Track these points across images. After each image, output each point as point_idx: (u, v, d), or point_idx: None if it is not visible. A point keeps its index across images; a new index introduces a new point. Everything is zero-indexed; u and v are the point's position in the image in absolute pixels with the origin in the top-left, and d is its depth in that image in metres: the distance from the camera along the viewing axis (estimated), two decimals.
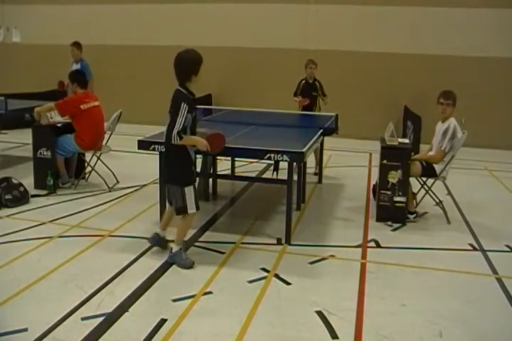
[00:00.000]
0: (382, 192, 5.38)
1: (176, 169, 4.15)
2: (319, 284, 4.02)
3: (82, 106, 6.10)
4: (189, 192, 4.11)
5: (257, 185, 6.72)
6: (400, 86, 10.26)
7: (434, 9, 9.98)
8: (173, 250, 4.26)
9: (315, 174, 7.24)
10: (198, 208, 4.21)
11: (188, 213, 4.18)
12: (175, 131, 3.93)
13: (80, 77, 6.34)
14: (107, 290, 3.78)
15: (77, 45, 8.79)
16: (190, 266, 4.18)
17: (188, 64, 4.06)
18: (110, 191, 6.31)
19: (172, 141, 3.96)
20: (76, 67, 8.66)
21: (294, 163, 4.75)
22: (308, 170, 6.60)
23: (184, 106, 3.96)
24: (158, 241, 4.52)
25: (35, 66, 11.98)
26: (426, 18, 10.04)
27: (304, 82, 7.46)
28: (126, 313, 3.47)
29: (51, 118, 6.35)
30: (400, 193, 5.33)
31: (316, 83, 7.42)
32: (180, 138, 3.96)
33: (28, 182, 6.09)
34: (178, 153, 4.09)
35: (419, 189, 5.66)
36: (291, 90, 7.56)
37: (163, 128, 4.12)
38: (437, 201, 5.73)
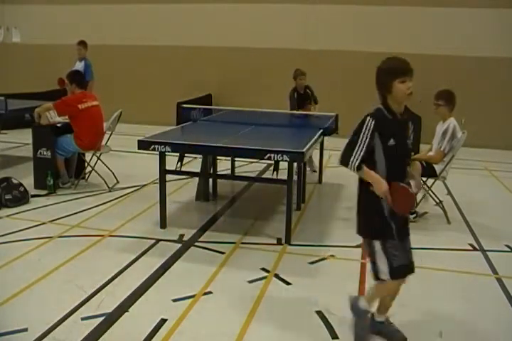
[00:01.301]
0: None
1: (361, 214, 3.12)
2: (319, 284, 4.01)
3: (79, 106, 6.08)
4: (378, 248, 2.98)
5: (257, 185, 6.72)
6: None
7: (434, 9, 9.97)
8: (360, 304, 3.21)
9: (314, 172, 7.24)
10: (398, 274, 2.98)
11: (380, 278, 3.03)
12: (354, 158, 2.96)
13: (79, 78, 6.34)
14: (107, 290, 3.78)
15: (83, 43, 8.92)
16: (363, 339, 3.22)
17: (378, 76, 3.13)
18: (110, 191, 6.31)
19: (348, 165, 3.03)
20: (79, 65, 8.68)
21: (294, 163, 4.74)
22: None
23: (370, 123, 2.94)
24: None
25: (35, 66, 11.98)
26: (426, 18, 10.03)
27: (296, 93, 7.39)
28: (126, 313, 3.47)
29: (51, 118, 6.36)
30: None
31: (308, 91, 7.41)
32: (359, 167, 2.96)
33: (28, 182, 6.09)
34: (366, 192, 3.03)
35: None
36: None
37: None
38: (437, 201, 5.72)
